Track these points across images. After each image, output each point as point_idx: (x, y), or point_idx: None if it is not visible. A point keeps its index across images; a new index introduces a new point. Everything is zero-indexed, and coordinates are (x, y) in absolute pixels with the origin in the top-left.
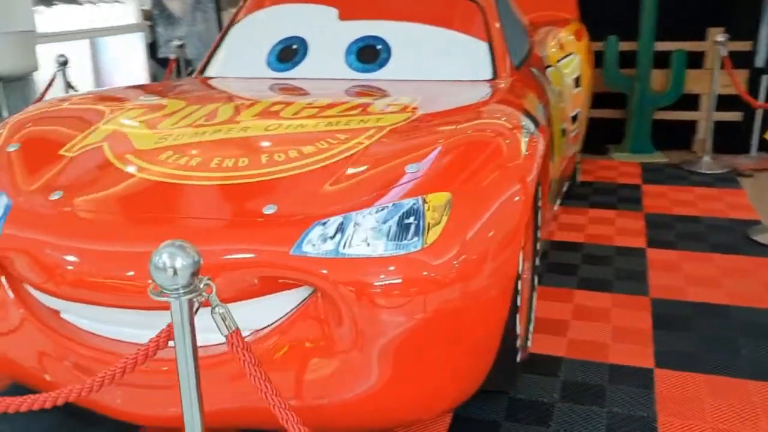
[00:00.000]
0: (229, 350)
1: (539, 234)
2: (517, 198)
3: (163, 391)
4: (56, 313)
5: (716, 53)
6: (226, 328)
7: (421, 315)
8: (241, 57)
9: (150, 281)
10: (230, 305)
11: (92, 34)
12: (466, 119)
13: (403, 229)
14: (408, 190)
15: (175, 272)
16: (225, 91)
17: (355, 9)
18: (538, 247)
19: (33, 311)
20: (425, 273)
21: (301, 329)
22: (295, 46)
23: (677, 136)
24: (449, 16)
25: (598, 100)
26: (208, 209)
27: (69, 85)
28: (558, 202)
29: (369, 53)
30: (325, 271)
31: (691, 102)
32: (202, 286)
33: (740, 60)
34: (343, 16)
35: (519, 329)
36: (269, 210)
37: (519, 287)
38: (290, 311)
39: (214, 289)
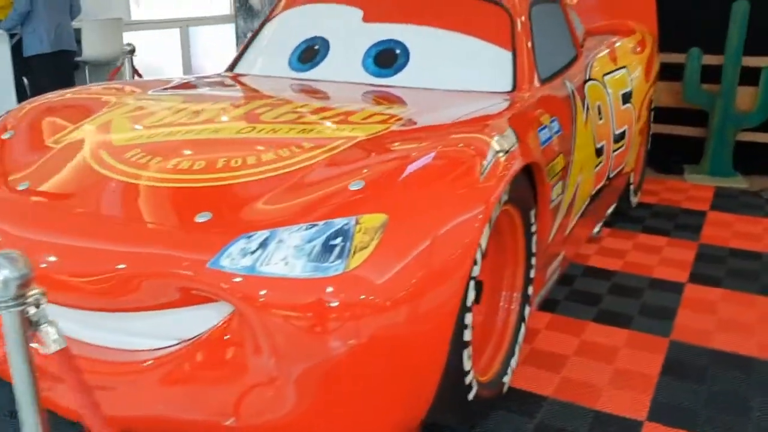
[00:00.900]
0: (58, 368)
1: (533, 261)
2: (467, 223)
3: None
4: None
5: None
6: (55, 344)
7: (337, 343)
8: (266, 55)
9: None
10: (157, 312)
11: (181, 24)
12: (434, 137)
13: (327, 250)
14: (344, 209)
15: (5, 284)
16: (233, 89)
17: (381, 11)
18: (532, 275)
19: None
20: (341, 300)
21: (216, 346)
22: (317, 47)
23: (763, 161)
24: (476, 22)
25: (676, 116)
26: (143, 210)
27: (135, 72)
28: (599, 225)
29: (387, 57)
30: (237, 289)
31: None
32: (30, 300)
33: None
34: (368, 18)
35: (468, 365)
36: (202, 218)
37: (467, 321)
38: (212, 326)
39: (43, 304)
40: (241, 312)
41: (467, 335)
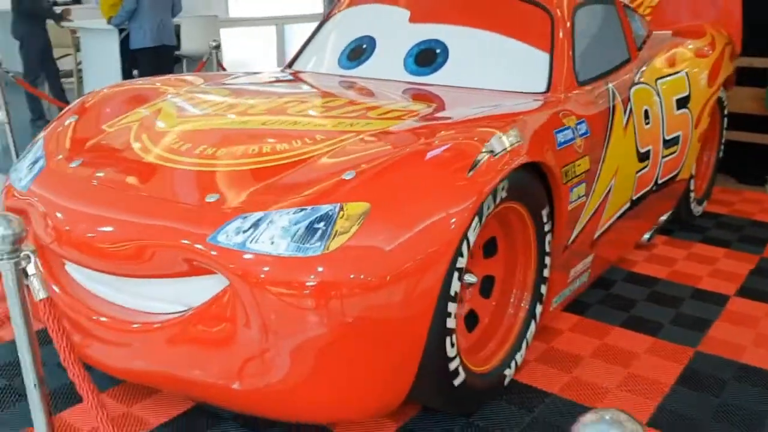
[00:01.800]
0: (40, 315)
1: (547, 261)
2: (453, 216)
3: (128, 348)
4: (62, 264)
5: None
6: (38, 293)
7: (314, 318)
8: (320, 53)
9: None
10: (170, 280)
11: (277, 21)
12: (437, 133)
13: (310, 232)
14: (333, 196)
15: (2, 239)
16: (277, 85)
17: (426, 12)
18: (545, 274)
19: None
20: (318, 279)
21: (213, 314)
22: (364, 46)
23: None
24: (517, 24)
25: (760, 123)
26: (163, 189)
27: (219, 66)
28: (651, 232)
29: (427, 56)
30: (229, 262)
31: None
32: (22, 255)
33: None
34: (413, 19)
35: (452, 352)
36: (211, 198)
37: (450, 309)
38: (212, 296)
39: (33, 259)
40: (233, 284)
41: (450, 323)
